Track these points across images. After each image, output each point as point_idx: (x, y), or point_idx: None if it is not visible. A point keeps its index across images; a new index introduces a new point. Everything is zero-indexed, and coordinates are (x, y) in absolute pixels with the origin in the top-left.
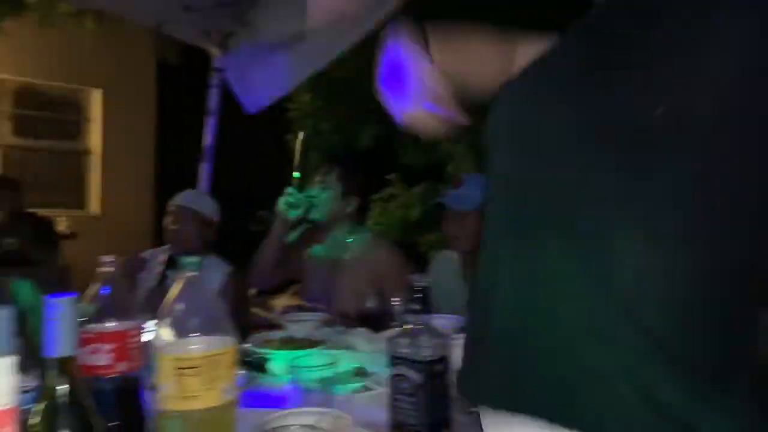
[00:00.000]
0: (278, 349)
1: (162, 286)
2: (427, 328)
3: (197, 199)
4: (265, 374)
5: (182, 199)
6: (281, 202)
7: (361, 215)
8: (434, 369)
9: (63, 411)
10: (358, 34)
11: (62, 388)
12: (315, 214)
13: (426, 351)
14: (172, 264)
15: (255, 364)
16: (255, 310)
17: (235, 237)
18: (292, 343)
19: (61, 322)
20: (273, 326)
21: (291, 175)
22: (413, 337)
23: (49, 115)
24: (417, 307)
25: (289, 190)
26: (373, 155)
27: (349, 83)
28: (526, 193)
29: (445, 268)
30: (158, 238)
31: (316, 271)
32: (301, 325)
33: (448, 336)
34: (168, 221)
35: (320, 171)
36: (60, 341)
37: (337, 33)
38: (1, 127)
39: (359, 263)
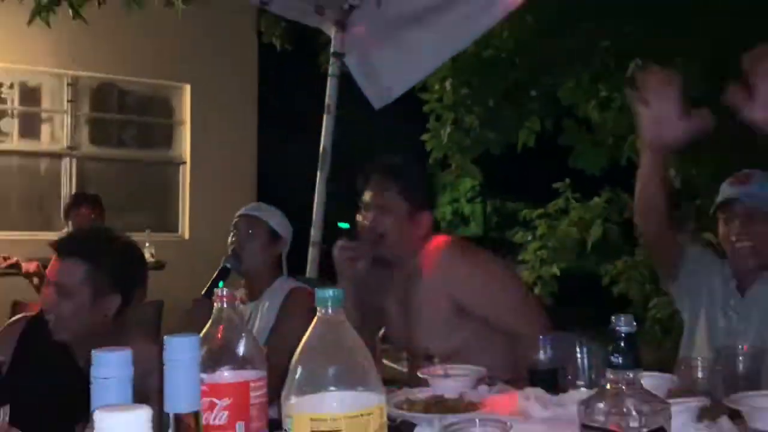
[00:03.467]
0: (424, 412)
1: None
2: (635, 389)
3: (266, 211)
4: None
5: (247, 209)
6: None
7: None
8: None
9: None
10: (511, 3)
11: None
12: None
13: (634, 420)
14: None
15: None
16: (384, 361)
17: None
18: (442, 406)
19: (186, 370)
20: (412, 381)
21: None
22: (616, 400)
23: (134, 118)
24: (619, 360)
25: None
26: (536, 157)
27: (502, 64)
28: None
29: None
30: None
31: (393, 311)
32: (452, 381)
33: (664, 401)
34: (231, 235)
35: (372, 190)
36: (182, 392)
37: (483, 2)
38: (78, 133)
39: (431, 289)
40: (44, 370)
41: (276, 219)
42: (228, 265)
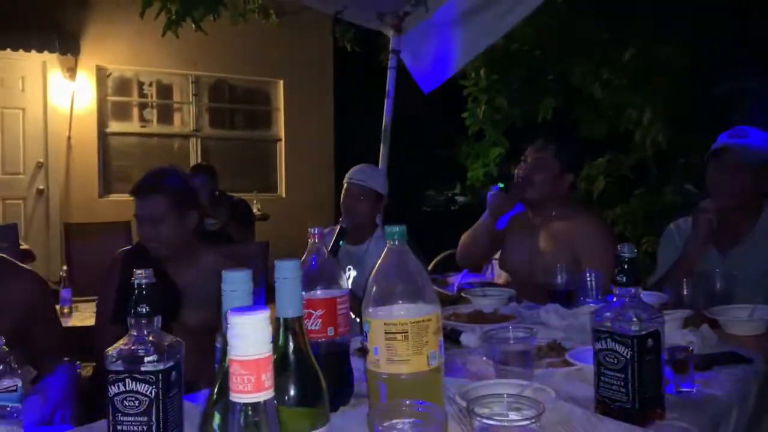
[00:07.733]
0: (468, 322)
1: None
2: (634, 302)
3: (371, 176)
4: (459, 346)
5: (356, 176)
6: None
7: (574, 190)
8: (645, 344)
9: (290, 367)
10: (532, 4)
11: (290, 346)
12: (531, 194)
13: (635, 325)
14: (342, 236)
15: (449, 336)
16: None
17: (410, 216)
18: (481, 318)
19: (292, 285)
20: (456, 301)
21: (464, 152)
22: (620, 310)
23: (241, 106)
24: (623, 279)
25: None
26: (553, 128)
27: (524, 55)
28: None
29: (675, 239)
30: (340, 217)
31: (518, 244)
32: (489, 300)
33: (658, 311)
34: (343, 196)
35: (534, 148)
36: (289, 302)
37: (510, 5)
38: (200, 119)
39: (559, 238)
40: None
41: (380, 181)
42: (344, 225)
